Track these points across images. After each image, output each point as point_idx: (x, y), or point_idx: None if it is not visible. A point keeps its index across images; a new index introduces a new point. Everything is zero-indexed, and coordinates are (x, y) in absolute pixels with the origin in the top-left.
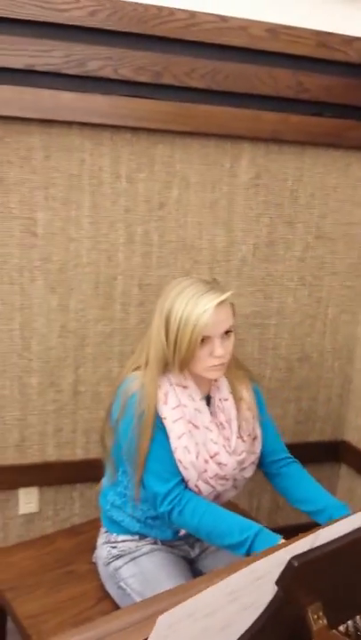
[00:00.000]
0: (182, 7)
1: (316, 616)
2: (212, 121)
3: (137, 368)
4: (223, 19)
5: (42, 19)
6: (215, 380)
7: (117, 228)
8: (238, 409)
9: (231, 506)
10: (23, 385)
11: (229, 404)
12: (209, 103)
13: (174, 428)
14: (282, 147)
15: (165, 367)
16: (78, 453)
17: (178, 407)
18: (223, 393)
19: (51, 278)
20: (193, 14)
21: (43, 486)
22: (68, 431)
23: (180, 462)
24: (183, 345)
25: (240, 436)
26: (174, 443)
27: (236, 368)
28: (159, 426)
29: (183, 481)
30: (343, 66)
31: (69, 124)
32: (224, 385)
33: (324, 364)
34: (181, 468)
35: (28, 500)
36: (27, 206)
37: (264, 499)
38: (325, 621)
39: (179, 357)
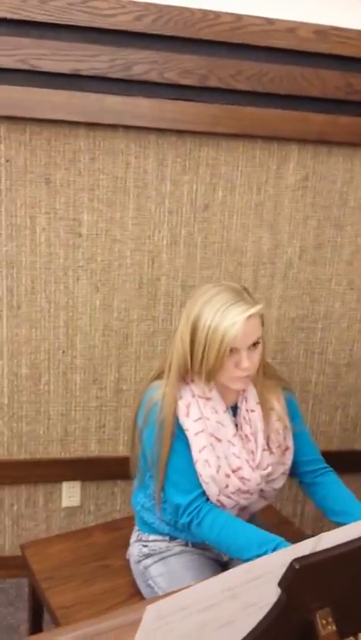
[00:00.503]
0: (229, 10)
1: (324, 621)
2: (259, 123)
3: (159, 375)
4: (270, 21)
5: (88, 24)
6: (243, 390)
7: (161, 230)
8: (267, 420)
9: (273, 513)
10: (67, 381)
11: (256, 416)
12: (255, 105)
13: (195, 441)
14: (331, 148)
15: (186, 375)
16: (120, 450)
17: (200, 419)
18: (250, 404)
19: (95, 278)
20: (239, 17)
21: (85, 481)
22: (110, 428)
23: (201, 476)
24: (211, 355)
25: (268, 449)
26: (195, 455)
27: (266, 377)
28: (181, 437)
29: (205, 494)
30: None
31: (115, 127)
32: (252, 395)
33: None
34: (202, 482)
35: (70, 493)
36: (72, 207)
37: (309, 505)
38: (334, 627)
39: (206, 368)
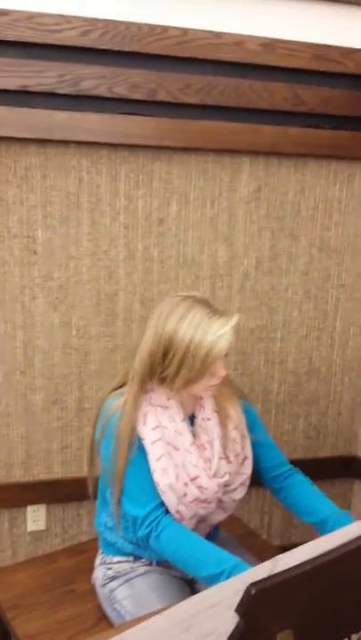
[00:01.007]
0: (175, 25)
1: None
2: (210, 136)
3: (120, 386)
4: (217, 35)
5: (34, 40)
6: (200, 399)
7: (117, 245)
8: (224, 428)
9: (239, 525)
10: (27, 402)
11: (212, 424)
12: (205, 118)
13: (153, 450)
14: (282, 160)
15: (146, 385)
16: (85, 470)
17: (157, 428)
18: (207, 412)
19: (52, 296)
20: (186, 31)
21: (50, 504)
22: (74, 448)
23: (158, 485)
24: (194, 368)
25: (225, 457)
26: (153, 464)
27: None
28: (139, 447)
29: (163, 505)
30: (341, 77)
31: (66, 143)
32: (208, 403)
33: (334, 378)
34: (160, 492)
35: (35, 517)
36: (26, 225)
37: (275, 516)
38: None
39: (185, 379)
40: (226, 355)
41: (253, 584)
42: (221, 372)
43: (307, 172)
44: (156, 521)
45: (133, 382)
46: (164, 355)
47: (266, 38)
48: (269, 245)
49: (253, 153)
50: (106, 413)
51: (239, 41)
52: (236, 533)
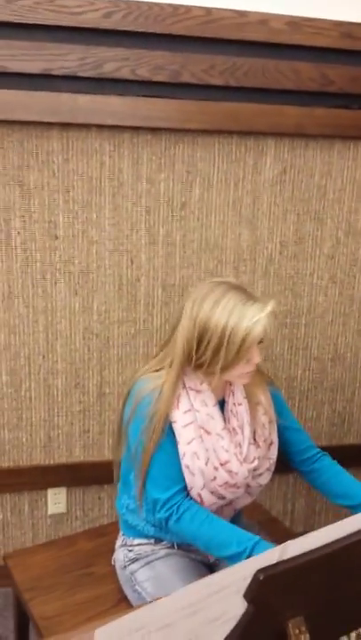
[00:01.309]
0: (199, 4)
1: (297, 630)
2: (234, 118)
3: (157, 370)
4: (241, 14)
5: (56, 22)
6: (230, 385)
7: (139, 229)
8: (254, 414)
9: (261, 511)
10: (49, 386)
11: (243, 409)
12: (229, 100)
13: (184, 433)
14: (308, 141)
15: (182, 370)
16: (106, 454)
17: (190, 411)
18: (237, 397)
19: (73, 281)
20: (209, 11)
21: (71, 487)
22: (94, 432)
23: (188, 468)
24: (230, 354)
25: (255, 442)
26: (183, 448)
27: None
28: (168, 432)
29: (185, 490)
30: None
31: (88, 126)
32: (238, 389)
33: (360, 364)
34: (188, 474)
35: (56, 500)
36: (47, 209)
37: (298, 503)
38: (308, 636)
39: (222, 365)
40: (261, 341)
41: (261, 570)
42: (257, 358)
43: (333, 153)
44: (177, 505)
45: (173, 368)
46: (200, 340)
47: (292, 17)
48: (294, 229)
49: (278, 134)
50: (137, 395)
51: (264, 20)
52: (257, 520)
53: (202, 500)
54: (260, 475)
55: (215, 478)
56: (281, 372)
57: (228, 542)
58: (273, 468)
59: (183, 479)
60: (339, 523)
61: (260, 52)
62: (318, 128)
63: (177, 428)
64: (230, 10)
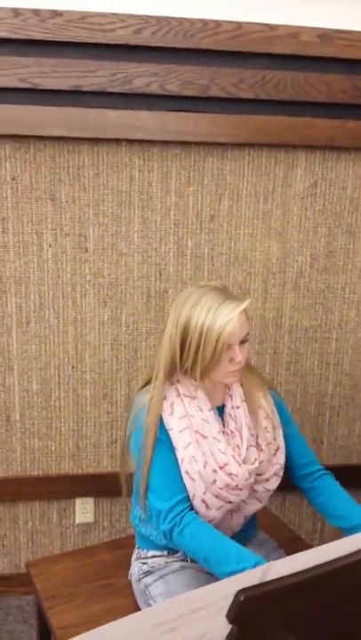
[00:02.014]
0: (229, 19)
1: None
2: (263, 131)
3: (148, 382)
4: (271, 27)
5: (87, 40)
6: (228, 389)
7: (167, 242)
8: (255, 417)
9: (285, 530)
10: (77, 396)
11: (240, 412)
12: (259, 113)
13: (180, 439)
14: (340, 154)
15: (172, 377)
16: (133, 465)
17: (184, 417)
18: (235, 401)
19: (102, 292)
20: (240, 25)
21: (98, 497)
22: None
23: (187, 473)
24: (207, 354)
25: (256, 445)
26: (180, 453)
27: (250, 374)
28: (164, 440)
29: (188, 500)
30: None
31: (118, 141)
32: (237, 393)
33: None
34: (188, 480)
35: (84, 510)
36: (78, 223)
37: None
38: None
39: (202, 366)
40: (245, 340)
41: (242, 590)
42: (239, 356)
43: None
44: (180, 516)
45: (158, 374)
46: (182, 344)
47: (323, 29)
48: (325, 242)
49: (309, 147)
50: (134, 409)
51: (295, 32)
52: (279, 538)
53: (207, 506)
54: (267, 480)
55: (215, 481)
56: (311, 387)
57: (227, 559)
58: (281, 474)
59: (184, 489)
60: (329, 544)
61: (291, 65)
62: (351, 140)
63: (173, 434)
64: (260, 23)
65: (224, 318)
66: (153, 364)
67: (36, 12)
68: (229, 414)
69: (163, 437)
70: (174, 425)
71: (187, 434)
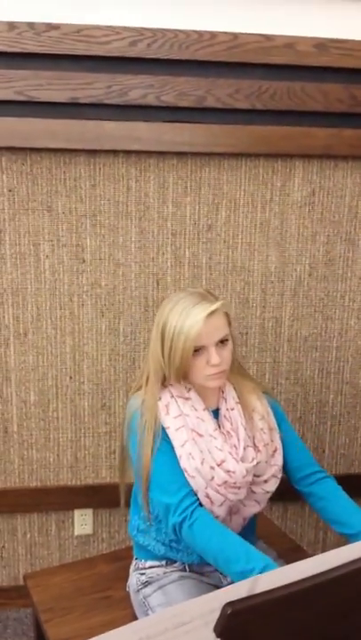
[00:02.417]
0: (224, 30)
1: None
2: (260, 141)
3: (139, 387)
4: (267, 37)
5: (83, 53)
6: (222, 392)
7: (165, 252)
8: (250, 419)
9: (285, 540)
10: (75, 407)
11: (236, 413)
12: (256, 123)
13: (177, 436)
14: (337, 162)
15: (165, 380)
16: (132, 476)
17: (180, 416)
18: (230, 403)
19: (100, 303)
20: (235, 36)
21: (97, 508)
22: None
23: (186, 470)
24: (177, 356)
25: (253, 445)
26: (178, 451)
27: (243, 378)
28: (164, 437)
29: (194, 493)
30: None
31: (114, 152)
32: (230, 396)
33: None
34: (188, 477)
35: (82, 521)
36: (75, 234)
37: (331, 531)
38: None
39: (174, 368)
40: (223, 341)
41: (229, 604)
42: (213, 358)
43: None
44: (190, 509)
45: (149, 377)
46: (162, 346)
47: (319, 39)
48: (324, 251)
49: (307, 156)
50: (128, 414)
51: (291, 43)
52: (280, 547)
53: (211, 501)
54: (266, 481)
55: (213, 478)
56: (312, 396)
57: (237, 557)
58: (280, 475)
59: (188, 483)
60: (318, 556)
61: (287, 75)
62: (348, 149)
63: (170, 432)
64: (256, 34)
65: (193, 319)
66: (142, 372)
67: (31, 25)
68: (224, 416)
69: (162, 435)
70: (170, 424)
71: (183, 432)
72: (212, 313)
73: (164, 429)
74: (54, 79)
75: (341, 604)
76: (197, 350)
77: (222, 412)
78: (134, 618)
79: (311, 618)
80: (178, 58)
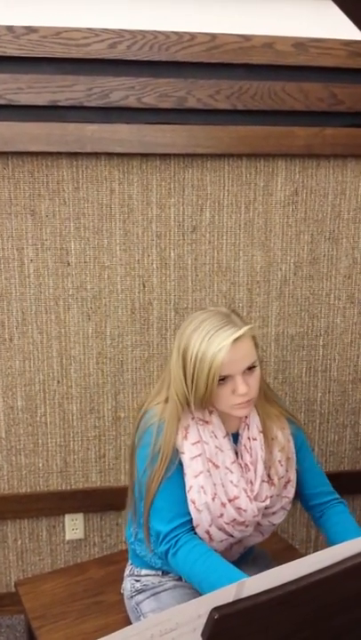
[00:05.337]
0: (203, 30)
1: None
2: (242, 141)
3: (158, 403)
4: (246, 38)
5: (63, 55)
6: (245, 417)
7: (150, 254)
8: (269, 450)
9: (277, 539)
10: (64, 411)
11: (257, 445)
12: (237, 123)
13: (192, 465)
14: (320, 161)
15: (187, 402)
16: (122, 480)
17: (198, 443)
18: (253, 432)
19: (86, 306)
20: (214, 37)
21: (88, 513)
22: (110, 457)
23: (193, 503)
24: (201, 385)
25: (268, 480)
26: (190, 481)
27: (268, 403)
28: (174, 461)
29: (189, 524)
30: None
31: (97, 154)
32: (254, 423)
33: None
34: (193, 510)
35: (73, 526)
36: (59, 237)
37: None
38: None
39: (197, 396)
40: (251, 368)
41: (217, 608)
42: (241, 388)
43: (347, 172)
44: (176, 538)
45: (169, 403)
46: (184, 371)
47: (297, 38)
48: (308, 249)
49: (289, 156)
50: (143, 425)
51: (270, 42)
52: (272, 549)
53: (210, 538)
54: (274, 513)
55: (222, 515)
56: (300, 394)
57: (221, 584)
58: (289, 507)
59: (188, 512)
60: (304, 558)
61: (267, 75)
62: (329, 148)
63: (185, 459)
64: (235, 34)
65: (217, 346)
66: (161, 384)
67: (10, 28)
68: (244, 445)
69: (173, 458)
70: (187, 450)
71: (199, 461)
72: (238, 338)
73: (177, 453)
74: (34, 82)
75: (327, 607)
76: (223, 379)
77: (243, 440)
78: (128, 622)
79: (298, 621)
80: (158, 59)
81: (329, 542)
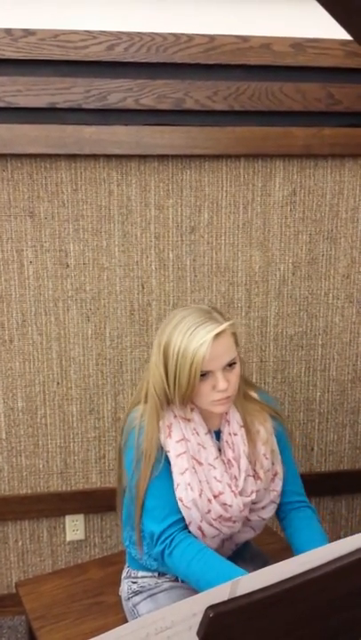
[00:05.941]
0: (201, 32)
1: None
2: (240, 142)
3: (138, 403)
4: (244, 39)
5: (61, 57)
6: (226, 414)
7: (149, 255)
8: (253, 444)
9: (276, 539)
10: (64, 413)
11: (239, 439)
12: (235, 124)
13: (178, 463)
14: (317, 161)
15: (168, 400)
16: (125, 481)
17: (182, 441)
18: (233, 427)
19: (85, 307)
20: (212, 38)
21: (88, 513)
22: (110, 458)
23: (181, 501)
24: (183, 381)
25: (255, 474)
26: (177, 479)
27: (247, 402)
28: (161, 461)
29: (182, 522)
30: None
31: (95, 156)
32: (234, 419)
33: None
34: (183, 508)
35: (74, 527)
36: (58, 239)
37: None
38: None
39: (179, 393)
40: (230, 364)
41: (212, 607)
42: (221, 384)
43: (345, 172)
44: (171, 537)
45: (150, 399)
46: (165, 368)
47: (295, 38)
48: (307, 249)
49: (287, 156)
50: (127, 428)
51: (267, 43)
52: (270, 547)
53: (203, 534)
54: (263, 508)
55: (209, 511)
56: (299, 394)
57: (218, 581)
58: (278, 501)
59: (180, 510)
60: (296, 557)
61: (265, 76)
62: (327, 148)
63: (171, 457)
64: (233, 35)
65: (198, 341)
66: (141, 385)
67: (8, 31)
68: (226, 441)
69: (160, 458)
70: (172, 448)
71: (184, 459)
72: (218, 335)
73: (163, 452)
74: (32, 85)
75: (323, 605)
76: (203, 375)
77: (224, 436)
78: (126, 623)
79: (293, 619)
80: (156, 61)
81: (293, 547)
